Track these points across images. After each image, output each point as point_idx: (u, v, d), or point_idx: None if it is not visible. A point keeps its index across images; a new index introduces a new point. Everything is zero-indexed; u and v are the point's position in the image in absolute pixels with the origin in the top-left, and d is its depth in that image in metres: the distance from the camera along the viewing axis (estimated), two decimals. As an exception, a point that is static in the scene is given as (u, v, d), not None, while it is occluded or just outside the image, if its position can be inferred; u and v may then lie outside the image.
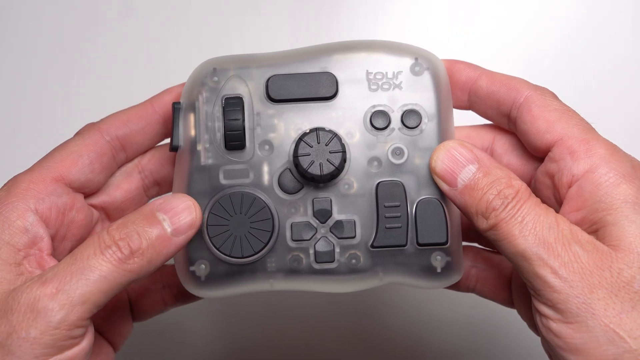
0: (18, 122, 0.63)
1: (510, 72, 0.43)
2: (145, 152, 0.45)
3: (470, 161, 0.39)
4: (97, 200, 0.44)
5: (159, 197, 0.41)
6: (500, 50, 0.62)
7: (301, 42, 0.45)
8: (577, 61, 0.62)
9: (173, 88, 0.44)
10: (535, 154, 0.42)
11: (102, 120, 0.43)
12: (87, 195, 0.43)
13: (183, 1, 0.64)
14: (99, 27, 0.63)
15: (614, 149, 0.38)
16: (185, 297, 0.46)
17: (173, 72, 0.48)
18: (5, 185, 0.40)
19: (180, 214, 0.39)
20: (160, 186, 0.46)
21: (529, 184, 0.43)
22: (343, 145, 0.41)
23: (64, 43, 0.63)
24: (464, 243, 0.43)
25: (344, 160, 0.41)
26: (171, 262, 0.42)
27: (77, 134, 0.43)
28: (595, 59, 0.62)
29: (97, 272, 0.36)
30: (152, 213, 0.38)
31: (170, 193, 0.41)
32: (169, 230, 0.38)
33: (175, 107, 0.42)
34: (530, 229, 0.36)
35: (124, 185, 0.44)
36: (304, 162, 0.40)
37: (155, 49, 0.63)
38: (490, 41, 0.62)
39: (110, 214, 0.45)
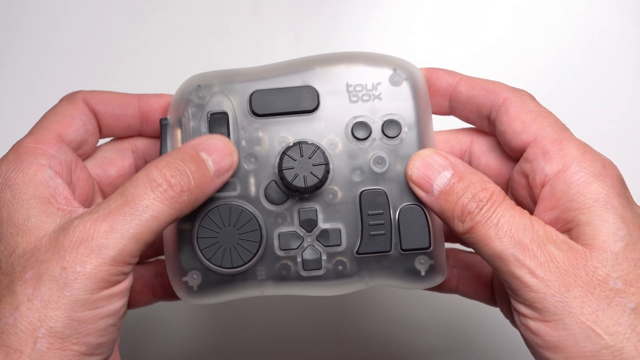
0: (16, 124, 0.63)
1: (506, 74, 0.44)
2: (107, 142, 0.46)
3: (445, 167, 0.40)
4: (91, 173, 0.44)
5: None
6: (487, 59, 0.63)
7: (298, 48, 0.45)
8: (573, 65, 0.63)
9: (164, 95, 0.45)
10: (512, 154, 0.43)
11: (88, 91, 0.44)
12: (81, 158, 0.44)
13: (186, 7, 0.65)
14: (102, 29, 0.64)
15: (585, 149, 0.39)
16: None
17: (175, 76, 0.48)
18: (11, 148, 0.40)
19: (221, 154, 0.40)
20: None
21: (506, 184, 0.45)
22: (326, 158, 0.42)
23: (65, 44, 0.64)
24: (446, 244, 0.45)
25: (327, 172, 0.42)
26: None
27: (63, 99, 0.44)
28: (591, 62, 0.63)
29: (149, 212, 0.36)
30: (196, 153, 0.39)
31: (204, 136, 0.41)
32: (212, 170, 0.39)
33: (163, 123, 0.43)
34: (506, 231, 0.37)
35: (117, 161, 0.45)
36: (289, 175, 0.41)
37: (159, 51, 0.64)
38: (477, 50, 0.63)
39: (103, 189, 0.45)
